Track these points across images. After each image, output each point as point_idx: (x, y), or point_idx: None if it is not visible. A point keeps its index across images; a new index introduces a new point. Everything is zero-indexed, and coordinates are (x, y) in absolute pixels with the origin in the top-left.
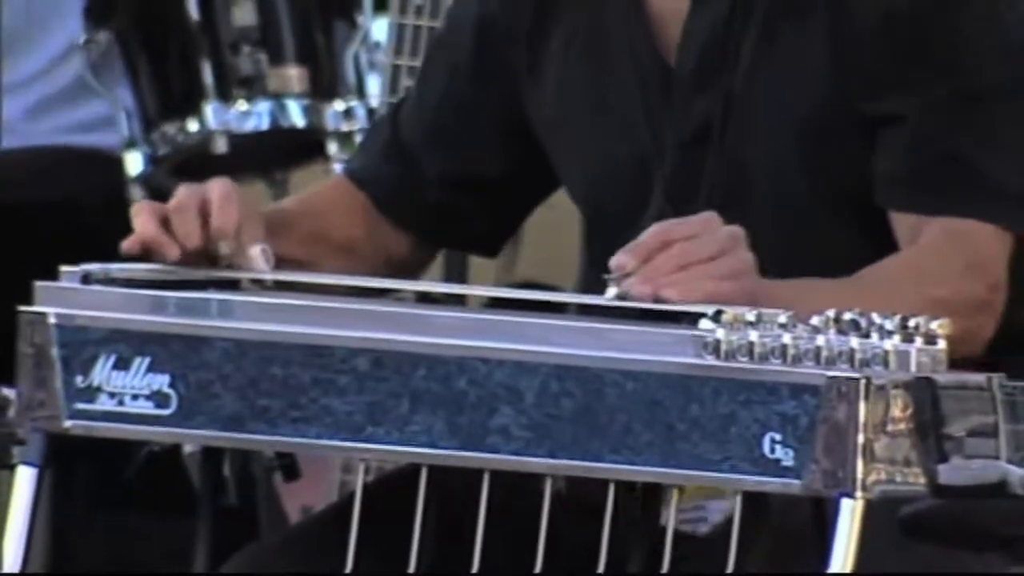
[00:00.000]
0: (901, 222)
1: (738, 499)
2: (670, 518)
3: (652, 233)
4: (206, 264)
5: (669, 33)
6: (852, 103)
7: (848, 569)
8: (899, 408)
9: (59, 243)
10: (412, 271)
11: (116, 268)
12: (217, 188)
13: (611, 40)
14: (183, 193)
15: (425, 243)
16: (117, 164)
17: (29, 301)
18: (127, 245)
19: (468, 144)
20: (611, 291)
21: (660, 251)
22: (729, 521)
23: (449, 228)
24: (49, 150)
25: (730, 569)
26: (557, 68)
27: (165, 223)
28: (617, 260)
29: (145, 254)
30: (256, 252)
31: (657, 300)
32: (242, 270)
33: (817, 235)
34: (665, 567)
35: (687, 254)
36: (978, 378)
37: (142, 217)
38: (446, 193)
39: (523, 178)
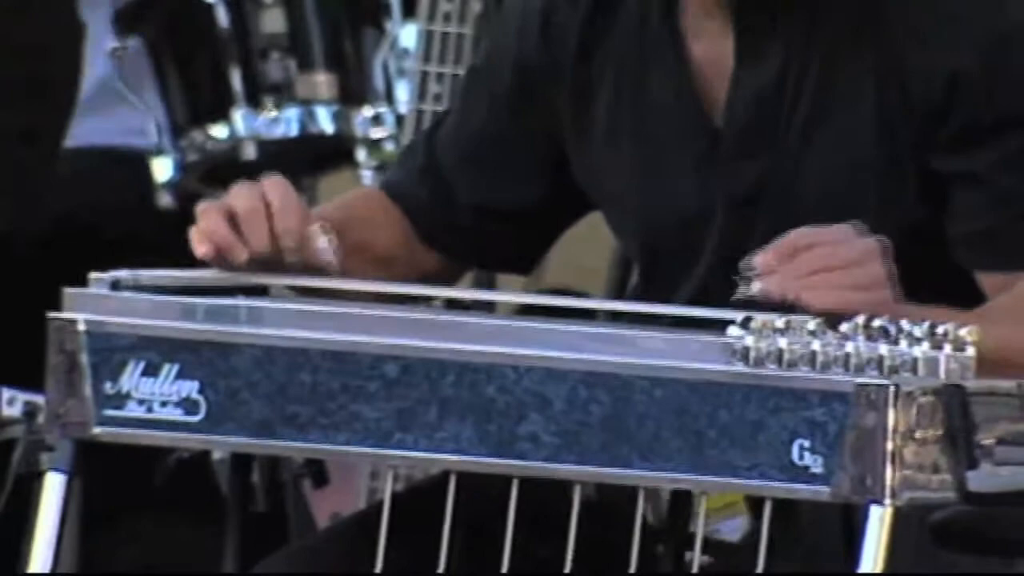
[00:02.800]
0: (988, 280)
1: (767, 505)
2: (699, 525)
3: (792, 236)
4: (266, 268)
5: (714, 92)
6: (913, 162)
7: None
8: (928, 415)
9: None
10: (445, 284)
11: (145, 275)
12: (277, 192)
13: (656, 97)
14: (247, 196)
15: (454, 262)
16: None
17: (58, 308)
18: (200, 252)
19: (504, 174)
20: (747, 289)
21: (799, 253)
22: (749, 534)
23: (481, 250)
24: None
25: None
26: (603, 124)
27: (234, 226)
28: (755, 259)
29: (216, 259)
30: (324, 243)
31: (788, 304)
32: (308, 270)
33: None
34: (695, 572)
35: (825, 258)
36: (1008, 384)
37: (211, 218)
38: (479, 218)
39: (557, 207)
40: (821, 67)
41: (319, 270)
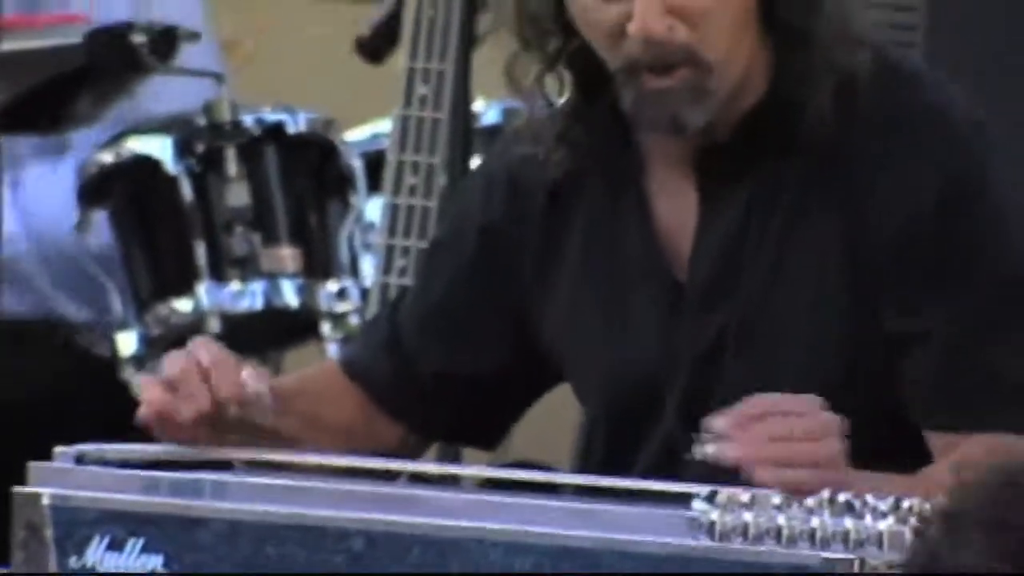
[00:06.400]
0: (936, 439)
1: None
2: None
3: (753, 402)
4: (213, 430)
5: (679, 247)
6: (872, 318)
7: None
8: None
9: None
10: (405, 460)
11: (109, 448)
12: (206, 354)
13: (621, 254)
14: (179, 361)
15: (419, 435)
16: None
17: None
18: (142, 416)
19: (466, 345)
20: (700, 451)
21: (759, 420)
22: None
23: (444, 422)
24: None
25: None
26: (569, 281)
27: (172, 390)
28: (712, 423)
29: (157, 422)
30: (249, 376)
31: (740, 471)
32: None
33: None
34: None
35: (784, 428)
36: None
37: (149, 389)
38: (442, 390)
39: (520, 378)
40: (784, 220)
41: (268, 432)
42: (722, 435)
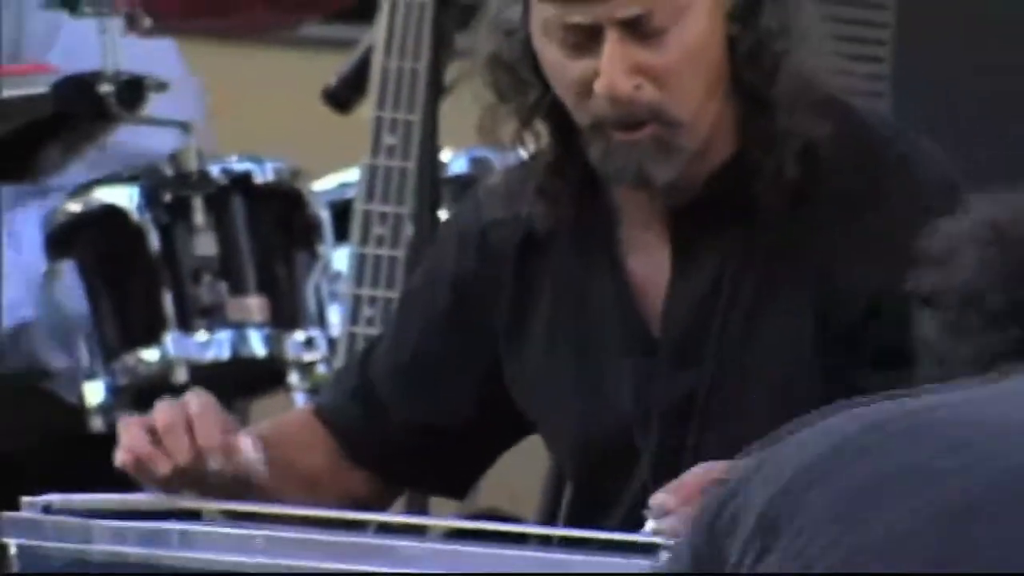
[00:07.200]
0: None
1: None
2: None
3: (692, 475)
4: (192, 481)
5: (652, 303)
6: (843, 378)
7: None
8: None
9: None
10: (374, 510)
11: (77, 499)
12: (195, 404)
13: (594, 309)
14: (167, 411)
15: (389, 484)
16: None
17: None
18: (120, 460)
19: (438, 395)
20: (649, 525)
21: (699, 495)
22: None
23: (414, 472)
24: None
25: None
26: (541, 335)
27: (153, 437)
28: (658, 498)
29: (135, 468)
30: (247, 443)
31: None
32: (234, 481)
33: None
34: None
35: None
36: None
37: (131, 432)
38: (413, 439)
39: (491, 428)
40: (757, 279)
41: (246, 481)
42: (661, 512)
